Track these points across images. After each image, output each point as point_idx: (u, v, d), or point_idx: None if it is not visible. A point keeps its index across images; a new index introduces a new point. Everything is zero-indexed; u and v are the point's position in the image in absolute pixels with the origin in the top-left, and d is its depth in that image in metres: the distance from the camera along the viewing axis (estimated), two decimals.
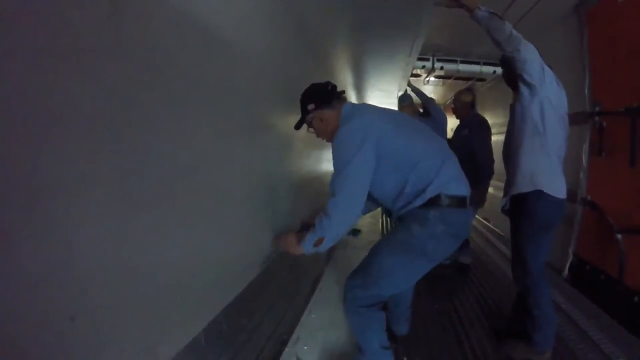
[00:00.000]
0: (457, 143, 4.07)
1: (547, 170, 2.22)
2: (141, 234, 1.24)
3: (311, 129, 2.13)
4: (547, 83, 2.15)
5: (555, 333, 2.35)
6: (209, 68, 1.66)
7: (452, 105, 4.22)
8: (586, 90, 3.51)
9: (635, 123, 2.87)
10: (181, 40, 1.42)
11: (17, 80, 0.84)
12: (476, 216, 5.42)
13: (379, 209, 5.56)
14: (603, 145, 3.24)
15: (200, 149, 1.62)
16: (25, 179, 0.86)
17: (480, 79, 6.62)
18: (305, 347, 2.37)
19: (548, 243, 2.31)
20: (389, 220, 5.71)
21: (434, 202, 1.75)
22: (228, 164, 1.90)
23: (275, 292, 2.64)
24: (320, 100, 2.00)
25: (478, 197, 3.74)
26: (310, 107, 2.01)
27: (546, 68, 2.17)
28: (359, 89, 6.85)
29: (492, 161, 3.82)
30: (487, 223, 5.96)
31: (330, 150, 1.88)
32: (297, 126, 2.13)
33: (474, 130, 3.87)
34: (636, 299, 2.74)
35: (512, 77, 2.30)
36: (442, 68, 5.82)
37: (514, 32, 2.05)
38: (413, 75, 6.34)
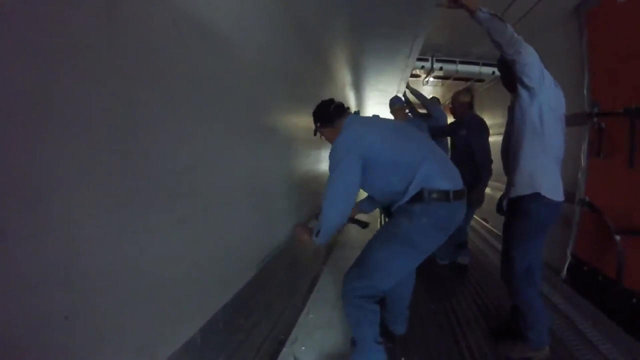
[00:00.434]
0: (455, 143, 4.08)
1: (546, 173, 2.23)
2: (137, 233, 1.24)
3: (322, 137, 2.42)
4: (546, 86, 2.15)
5: (548, 329, 2.35)
6: (208, 68, 1.66)
7: (450, 106, 4.22)
8: (585, 91, 3.51)
9: (634, 124, 2.87)
10: (180, 39, 1.42)
11: (17, 80, 0.84)
12: (474, 217, 5.40)
13: (377, 211, 5.60)
14: (602, 146, 3.24)
15: (198, 148, 1.62)
16: (23, 177, 0.86)
17: (479, 79, 6.63)
18: (303, 348, 2.36)
19: (539, 244, 2.31)
20: (387, 220, 5.72)
21: (417, 197, 1.93)
22: (226, 163, 1.90)
23: (273, 292, 2.63)
24: (323, 120, 2.31)
25: (477, 197, 3.74)
26: (317, 125, 2.36)
27: (545, 71, 2.17)
28: (358, 89, 6.86)
29: (491, 161, 3.81)
30: (485, 223, 5.96)
31: (329, 149, 2.08)
32: (314, 133, 2.43)
33: (472, 130, 3.86)
34: (634, 300, 2.74)
35: (510, 79, 2.29)
36: (441, 68, 5.83)
37: (515, 34, 2.04)
38: (412, 75, 6.36)
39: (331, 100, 2.34)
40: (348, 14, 3.37)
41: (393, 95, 7.20)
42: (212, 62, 1.69)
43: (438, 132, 4.32)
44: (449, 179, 2.00)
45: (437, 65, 5.79)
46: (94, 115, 1.04)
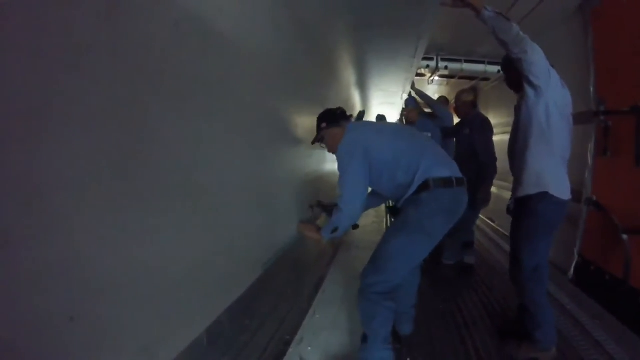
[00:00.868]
0: (459, 142, 4.07)
1: (553, 172, 2.22)
2: (142, 234, 1.25)
3: (323, 144, 2.53)
4: (552, 85, 2.14)
5: (555, 329, 2.34)
6: (210, 68, 1.66)
7: (454, 105, 4.22)
8: (591, 90, 3.48)
9: None
10: (182, 40, 1.42)
11: (17, 80, 0.84)
12: (480, 216, 5.38)
13: (383, 210, 5.60)
14: (608, 145, 3.21)
15: (201, 148, 1.63)
16: (24, 178, 0.87)
17: (485, 78, 6.59)
18: (309, 348, 2.36)
19: (547, 244, 2.31)
20: (393, 220, 5.72)
21: (424, 187, 2.07)
22: (230, 164, 1.90)
23: (278, 292, 2.64)
24: (330, 121, 2.45)
25: (482, 196, 3.73)
26: (323, 125, 2.46)
27: (552, 69, 2.16)
28: (363, 88, 6.84)
29: (495, 159, 3.81)
30: (491, 223, 5.93)
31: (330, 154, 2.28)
32: (313, 142, 2.56)
33: (475, 129, 3.86)
34: None
35: (515, 79, 2.29)
36: (446, 67, 5.82)
37: (521, 33, 2.04)
38: (417, 74, 6.33)
39: (338, 108, 2.56)
40: (351, 14, 3.35)
41: (397, 94, 7.21)
42: (213, 63, 1.69)
43: (445, 133, 4.33)
44: (447, 168, 2.15)
45: (442, 64, 5.76)
46: (95, 116, 1.04)
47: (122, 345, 1.17)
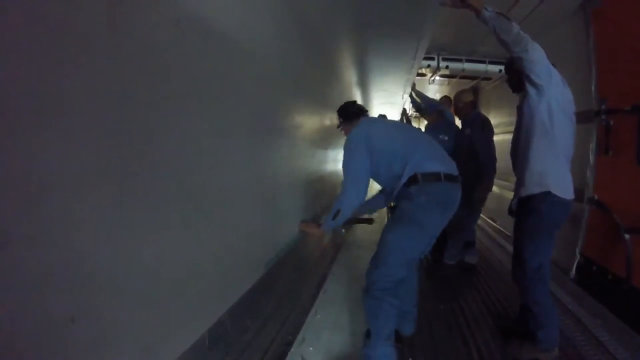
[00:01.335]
0: (460, 142, 4.07)
1: (556, 171, 2.22)
2: (144, 235, 1.25)
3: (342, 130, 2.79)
4: (554, 84, 2.14)
5: (559, 330, 2.34)
6: (211, 67, 1.66)
7: (454, 106, 4.23)
8: (593, 89, 3.48)
9: None
10: (182, 38, 1.42)
11: (17, 79, 0.84)
12: (482, 216, 5.37)
13: (385, 212, 5.60)
14: (610, 144, 3.21)
15: (205, 148, 1.63)
16: (24, 178, 0.86)
17: (486, 77, 6.57)
18: (311, 348, 2.36)
19: (549, 244, 2.31)
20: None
21: (412, 180, 2.19)
22: (231, 163, 1.90)
23: (280, 293, 2.63)
24: (344, 117, 2.74)
25: (478, 194, 3.75)
26: (340, 120, 2.78)
27: (553, 68, 2.16)
28: (364, 88, 6.84)
29: (494, 159, 3.82)
30: (493, 223, 5.93)
31: (335, 150, 2.38)
32: (338, 127, 2.84)
33: (475, 129, 3.87)
34: None
35: (516, 80, 2.29)
36: (447, 67, 5.79)
37: (521, 32, 2.04)
38: (418, 74, 6.34)
39: (354, 102, 2.84)
40: (352, 13, 3.36)
41: (398, 94, 7.21)
42: (215, 62, 1.68)
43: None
44: (439, 163, 2.25)
45: (443, 63, 5.74)
46: (95, 115, 1.04)
47: (124, 346, 1.17)
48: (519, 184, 2.37)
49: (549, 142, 2.19)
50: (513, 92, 2.46)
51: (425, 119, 4.82)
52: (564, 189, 2.21)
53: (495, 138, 3.98)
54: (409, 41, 4.03)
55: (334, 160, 5.33)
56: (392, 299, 2.15)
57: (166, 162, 1.36)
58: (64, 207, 0.95)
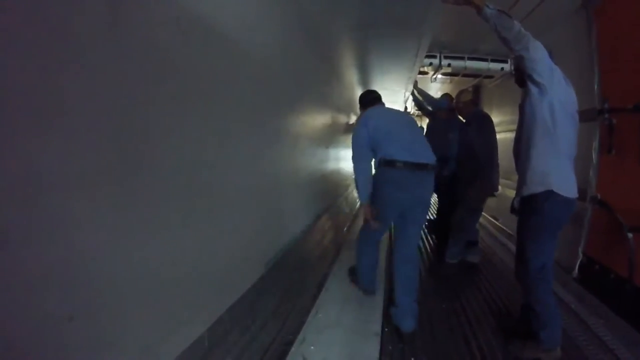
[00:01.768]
0: (462, 141, 4.07)
1: (558, 170, 2.20)
2: (143, 234, 1.24)
3: None
4: (556, 82, 2.13)
5: (561, 330, 2.32)
6: (213, 67, 1.66)
7: (455, 107, 4.24)
8: (595, 87, 3.45)
9: None
10: (183, 38, 1.42)
11: (18, 79, 0.84)
12: (483, 214, 5.34)
13: None
14: (613, 143, 3.19)
15: (204, 148, 1.62)
16: (24, 177, 0.86)
17: (488, 75, 6.54)
18: (312, 347, 2.35)
19: (553, 243, 2.30)
20: None
21: (379, 163, 2.68)
22: (231, 163, 1.89)
23: (281, 292, 2.63)
24: (362, 104, 3.27)
25: (471, 193, 3.78)
26: (359, 106, 3.30)
27: (555, 66, 2.15)
28: (366, 87, 6.83)
29: (494, 158, 3.82)
30: (495, 222, 5.91)
31: (337, 149, 2.45)
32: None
33: (473, 125, 3.87)
34: None
35: (522, 76, 2.27)
36: (449, 65, 5.78)
37: (523, 30, 2.03)
38: (421, 72, 6.33)
39: (371, 91, 3.31)
40: (353, 12, 3.35)
41: (400, 93, 7.19)
42: (217, 62, 1.69)
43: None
44: (409, 153, 2.58)
45: (445, 62, 5.72)
46: (95, 114, 1.04)
47: (123, 345, 1.17)
48: (521, 182, 2.35)
49: (551, 140, 2.18)
50: (520, 87, 2.44)
51: (438, 115, 4.81)
52: (567, 187, 2.19)
53: (498, 136, 3.97)
54: (411, 39, 4.02)
55: (336, 159, 5.33)
56: (371, 247, 3.05)
57: (165, 162, 1.36)
58: (63, 206, 0.95)
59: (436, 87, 7.90)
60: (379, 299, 3.08)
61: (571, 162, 2.25)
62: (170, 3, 1.33)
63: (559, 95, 2.14)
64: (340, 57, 4.47)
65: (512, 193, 2.57)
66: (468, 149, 3.88)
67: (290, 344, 2.37)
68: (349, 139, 2.96)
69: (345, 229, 5.36)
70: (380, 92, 3.53)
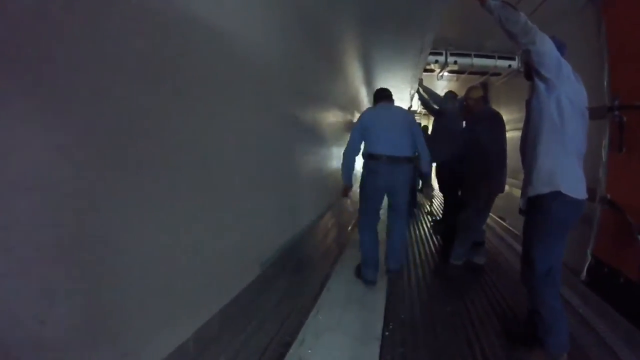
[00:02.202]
0: (470, 140, 3.96)
1: (566, 170, 2.12)
2: (120, 232, 1.20)
3: None
4: (564, 77, 2.04)
5: (568, 335, 2.24)
6: (212, 64, 1.66)
7: (465, 104, 4.11)
8: (605, 83, 3.36)
9: None
10: (187, 38, 1.44)
11: (19, 78, 0.85)
12: (491, 214, 5.26)
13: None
14: (623, 141, 3.10)
15: (196, 145, 1.59)
16: (24, 176, 0.87)
17: (495, 73, 6.44)
18: (310, 351, 2.29)
19: (560, 245, 2.22)
20: None
21: (364, 156, 3.37)
22: (224, 160, 1.85)
23: (280, 292, 2.58)
24: (374, 99, 3.70)
25: (485, 195, 3.68)
26: (373, 100, 3.74)
27: (563, 61, 2.06)
28: (369, 84, 6.79)
29: (503, 157, 3.71)
30: (502, 222, 5.81)
31: (340, 148, 2.79)
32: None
33: (485, 125, 3.76)
34: None
35: (531, 71, 2.19)
36: (455, 62, 5.70)
37: (529, 22, 1.95)
38: (427, 70, 6.28)
39: (384, 90, 3.75)
40: (356, 7, 3.30)
41: (405, 90, 7.13)
42: (219, 58, 1.69)
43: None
44: (387, 147, 3.25)
45: (451, 59, 5.65)
46: (95, 114, 1.04)
47: (98, 351, 1.11)
48: (527, 182, 2.27)
49: (558, 138, 2.09)
50: (528, 81, 2.35)
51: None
52: (576, 188, 2.11)
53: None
54: (415, 34, 3.97)
55: (338, 158, 5.27)
56: (366, 236, 3.44)
57: (156, 160, 1.34)
58: (29, 205, 0.90)
59: (442, 85, 7.81)
60: (381, 301, 3.03)
61: (580, 161, 2.16)
62: (173, 4, 1.34)
63: (567, 91, 2.05)
64: (343, 54, 4.43)
65: (519, 192, 2.49)
66: (477, 148, 3.78)
67: (288, 345, 2.31)
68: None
69: (349, 227, 5.31)
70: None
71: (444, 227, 5.16)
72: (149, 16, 1.22)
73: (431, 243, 4.93)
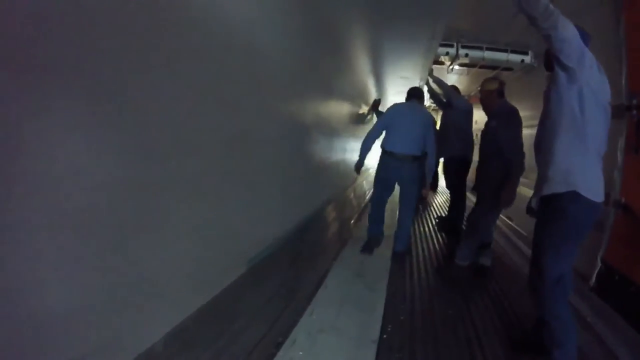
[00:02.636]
0: (486, 137, 3.76)
1: (585, 169, 1.97)
2: None
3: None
4: (587, 67, 1.89)
5: (576, 348, 2.09)
6: (213, 61, 1.65)
7: (479, 96, 3.91)
8: (623, 81, 3.20)
9: None
10: (186, 31, 1.43)
11: (19, 78, 0.85)
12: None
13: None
14: None
15: (177, 136, 1.50)
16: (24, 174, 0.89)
17: (507, 68, 6.25)
18: (301, 353, 2.17)
19: (573, 252, 2.08)
20: None
21: (381, 147, 3.97)
22: (206, 151, 1.73)
23: (270, 291, 2.46)
24: (407, 95, 4.21)
25: (505, 197, 3.43)
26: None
27: (587, 50, 1.91)
28: (378, 76, 6.68)
29: (522, 156, 3.46)
30: (509, 222, 5.67)
31: (341, 138, 3.24)
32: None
33: (501, 121, 3.56)
34: None
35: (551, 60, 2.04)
36: (467, 55, 5.60)
37: (551, 6, 1.80)
38: (437, 62, 6.16)
39: (414, 88, 4.25)
40: None
41: (415, 82, 7.02)
42: (216, 53, 1.66)
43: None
44: (400, 147, 3.83)
45: (462, 51, 5.52)
46: (95, 114, 1.07)
47: (55, 354, 1.00)
48: (542, 180, 2.12)
49: (577, 133, 1.94)
50: (547, 71, 2.20)
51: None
52: (594, 189, 1.96)
53: None
54: (425, 22, 3.87)
55: (343, 150, 5.16)
56: (374, 208, 4.17)
57: (139, 151, 1.30)
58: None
59: (453, 79, 7.66)
60: (380, 301, 2.92)
61: (600, 159, 2.01)
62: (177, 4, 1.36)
63: (589, 82, 1.90)
64: (351, 46, 4.39)
65: (527, 192, 2.35)
66: (492, 147, 3.58)
67: (279, 345, 2.20)
68: (358, 128, 3.50)
69: (352, 221, 5.20)
70: (396, 81, 4.54)
71: (449, 224, 5.09)
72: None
73: (435, 241, 4.81)
